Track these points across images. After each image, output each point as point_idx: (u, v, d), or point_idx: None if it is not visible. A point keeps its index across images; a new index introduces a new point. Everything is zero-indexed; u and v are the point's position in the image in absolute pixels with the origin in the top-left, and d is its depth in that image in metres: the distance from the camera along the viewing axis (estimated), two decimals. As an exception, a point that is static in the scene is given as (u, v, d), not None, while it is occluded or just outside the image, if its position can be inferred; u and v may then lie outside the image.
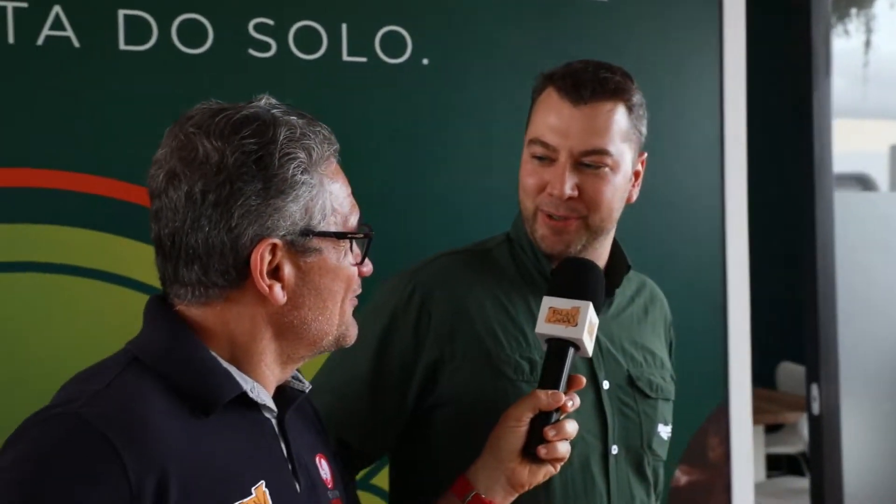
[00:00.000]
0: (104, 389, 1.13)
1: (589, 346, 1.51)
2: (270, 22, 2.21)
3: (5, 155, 2.06)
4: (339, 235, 1.24)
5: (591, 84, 1.62)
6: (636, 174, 1.74)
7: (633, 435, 1.72)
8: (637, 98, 1.69)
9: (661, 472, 1.80)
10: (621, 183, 1.67)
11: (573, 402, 1.50)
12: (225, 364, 1.22)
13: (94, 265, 2.06)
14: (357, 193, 2.25)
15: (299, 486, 1.26)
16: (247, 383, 1.22)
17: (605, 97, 1.63)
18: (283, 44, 2.22)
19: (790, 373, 5.36)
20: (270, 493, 1.18)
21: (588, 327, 1.48)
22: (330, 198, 1.24)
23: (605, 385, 1.70)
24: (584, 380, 1.53)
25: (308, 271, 1.23)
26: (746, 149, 2.61)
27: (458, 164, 2.34)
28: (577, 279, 1.55)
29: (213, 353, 1.21)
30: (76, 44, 2.09)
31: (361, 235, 1.28)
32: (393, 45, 2.31)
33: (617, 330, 1.76)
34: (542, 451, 1.47)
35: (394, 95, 2.31)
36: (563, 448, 1.49)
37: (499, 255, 1.74)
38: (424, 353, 1.64)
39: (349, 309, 1.30)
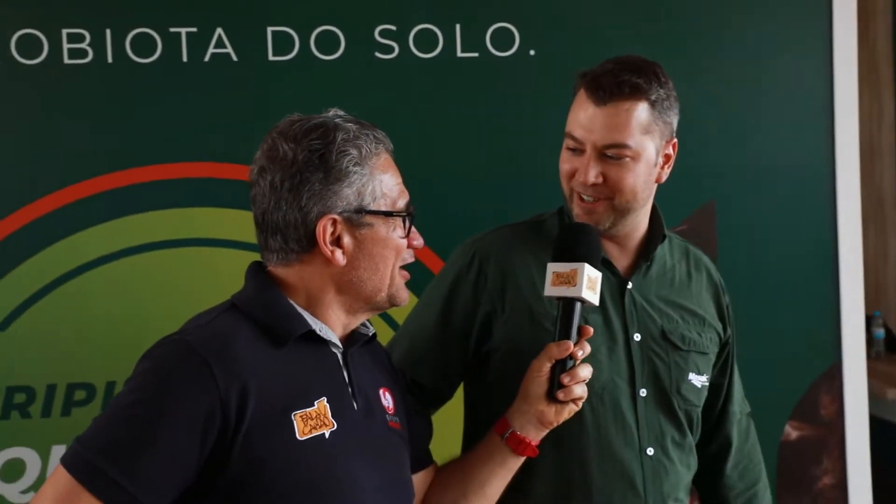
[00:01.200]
0: (206, 324, 1.53)
1: (593, 298, 1.72)
2: (393, 27, 2.57)
3: (186, 151, 2.54)
4: (387, 214, 1.55)
5: (610, 87, 1.85)
6: (666, 157, 1.94)
7: (663, 380, 1.94)
8: (662, 92, 1.89)
9: (696, 416, 2.00)
10: (644, 170, 1.89)
11: (583, 351, 1.72)
12: (300, 310, 1.57)
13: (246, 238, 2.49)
14: (467, 172, 2.60)
15: (356, 405, 1.58)
16: (316, 325, 1.56)
17: (622, 97, 1.85)
18: (404, 45, 2.57)
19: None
20: (330, 407, 1.53)
21: (588, 283, 1.69)
22: (379, 184, 1.55)
23: (637, 337, 1.93)
24: (591, 330, 1.75)
25: (363, 241, 1.54)
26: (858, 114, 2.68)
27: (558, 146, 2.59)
28: (573, 244, 1.76)
29: (291, 301, 1.57)
30: (234, 58, 2.53)
31: (405, 214, 1.58)
32: (502, 39, 2.59)
33: (655, 290, 1.98)
34: (560, 395, 1.71)
35: (503, 85, 2.59)
36: (579, 390, 1.71)
37: (550, 225, 2.01)
38: (481, 307, 1.94)
39: (398, 273, 1.59)
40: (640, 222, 1.97)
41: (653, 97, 1.87)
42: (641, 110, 1.86)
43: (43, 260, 2.46)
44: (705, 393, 2.00)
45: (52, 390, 2.47)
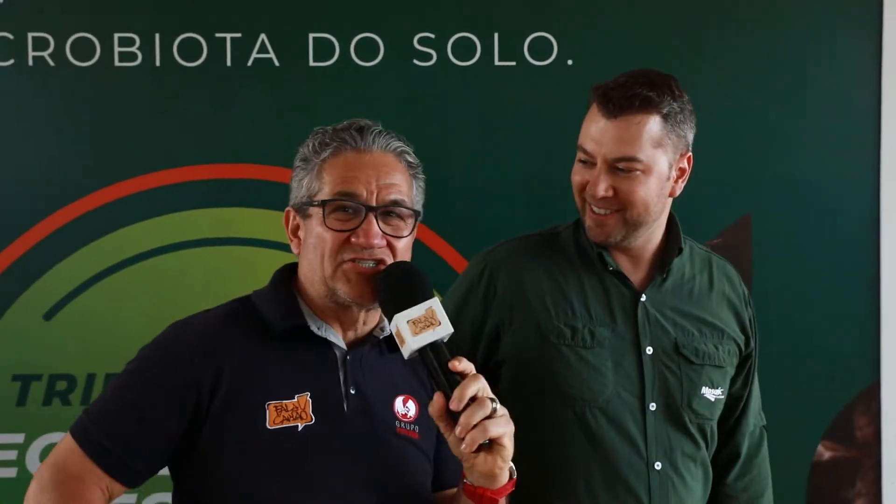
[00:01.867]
0: (207, 312, 1.65)
1: (450, 329, 1.48)
2: (432, 35, 2.60)
3: (227, 152, 2.62)
4: (312, 205, 1.60)
5: (620, 100, 1.85)
6: (681, 171, 1.93)
7: (674, 394, 1.92)
8: (675, 106, 1.88)
9: (710, 429, 1.98)
10: (655, 183, 1.88)
11: (460, 400, 1.45)
12: (304, 307, 1.63)
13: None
14: (502, 180, 2.61)
15: (347, 405, 1.60)
16: (315, 323, 1.61)
17: (633, 111, 1.85)
18: (442, 53, 2.61)
19: None
20: (312, 403, 1.57)
21: (446, 318, 1.47)
22: (318, 180, 1.60)
23: (649, 350, 1.92)
24: (462, 359, 1.49)
25: (305, 230, 1.63)
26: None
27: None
28: (407, 284, 1.52)
29: (299, 299, 1.64)
30: (276, 63, 2.60)
31: (318, 203, 1.58)
32: (540, 49, 2.61)
33: (671, 302, 1.96)
34: (464, 447, 1.46)
35: (541, 94, 2.61)
36: (481, 434, 1.45)
37: (565, 238, 2.02)
38: (489, 319, 1.96)
39: (332, 265, 1.57)
40: (654, 234, 1.96)
41: (665, 111, 1.86)
42: (653, 124, 1.86)
43: (86, 255, 2.57)
44: (720, 406, 1.98)
45: (92, 379, 2.58)
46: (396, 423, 1.66)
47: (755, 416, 2.10)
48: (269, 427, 1.53)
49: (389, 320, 1.50)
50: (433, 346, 1.45)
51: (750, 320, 2.06)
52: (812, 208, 2.63)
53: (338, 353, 1.62)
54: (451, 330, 1.46)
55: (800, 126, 2.63)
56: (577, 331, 1.91)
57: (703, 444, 1.97)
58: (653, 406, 1.92)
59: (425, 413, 1.59)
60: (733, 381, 2.03)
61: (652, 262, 1.98)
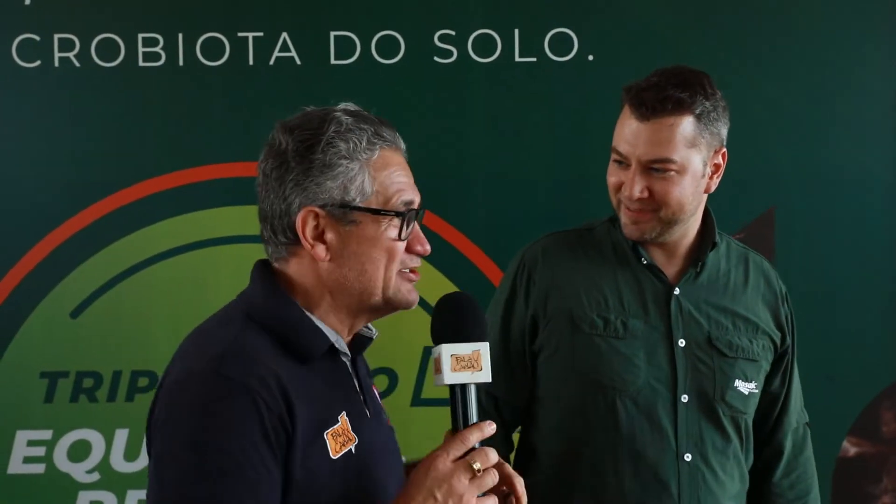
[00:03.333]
0: (223, 344, 1.38)
1: (488, 378, 1.46)
2: (452, 32, 2.61)
3: (249, 150, 2.62)
4: (374, 211, 1.44)
5: (653, 103, 1.85)
6: (715, 167, 1.93)
7: (707, 387, 1.93)
8: (708, 105, 1.88)
9: (745, 424, 1.97)
10: (690, 182, 1.89)
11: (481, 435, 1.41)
12: (316, 320, 1.50)
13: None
14: (524, 177, 2.62)
15: (368, 413, 1.56)
16: (332, 335, 1.48)
17: (665, 113, 1.85)
18: (463, 50, 2.61)
19: None
20: (350, 421, 1.49)
21: (489, 364, 1.45)
22: (370, 181, 1.45)
23: (682, 343, 1.93)
24: (492, 424, 1.43)
25: (347, 237, 1.44)
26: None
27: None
28: (465, 322, 1.48)
29: (301, 308, 1.47)
30: (298, 62, 2.62)
31: (394, 212, 1.45)
32: (561, 44, 2.61)
33: (705, 296, 1.98)
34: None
35: (562, 90, 2.61)
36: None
37: (599, 233, 2.04)
38: (528, 310, 2.00)
39: (394, 276, 1.47)
40: (689, 229, 1.97)
41: (698, 111, 1.87)
42: (686, 124, 1.86)
43: (112, 253, 2.61)
44: (754, 400, 1.98)
45: (118, 376, 2.61)
46: (383, 415, 1.64)
47: (797, 413, 2.09)
48: (332, 458, 1.43)
49: (435, 343, 1.47)
50: (463, 387, 1.43)
51: (787, 317, 2.06)
52: (836, 202, 2.61)
53: (346, 360, 1.56)
54: (489, 379, 1.43)
55: (824, 120, 2.61)
56: (610, 321, 1.93)
57: (736, 438, 1.97)
58: (685, 398, 1.93)
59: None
60: (770, 377, 2.03)
61: (687, 256, 1.99)
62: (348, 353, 1.54)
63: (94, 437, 2.61)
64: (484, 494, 1.36)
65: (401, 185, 1.49)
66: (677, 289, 1.96)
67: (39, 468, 2.62)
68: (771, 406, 2.05)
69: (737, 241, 2.11)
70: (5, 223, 2.62)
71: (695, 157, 1.88)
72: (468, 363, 1.43)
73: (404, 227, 1.46)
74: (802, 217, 2.61)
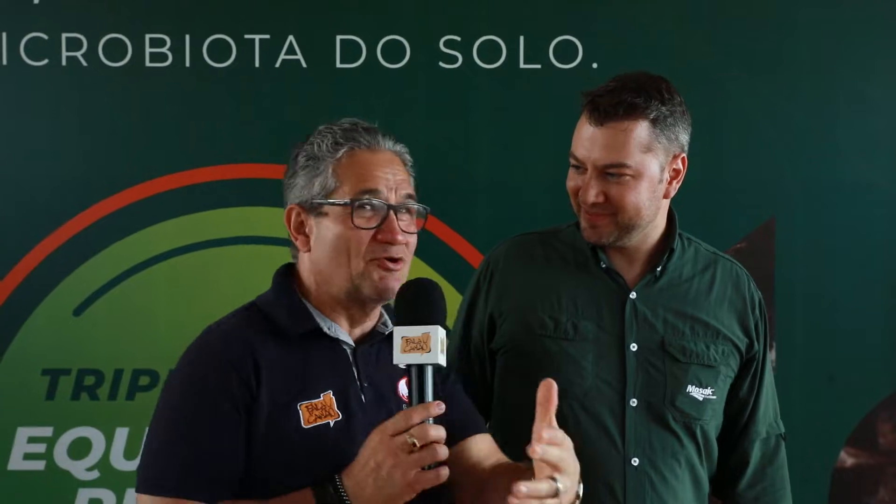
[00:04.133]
0: (218, 324, 1.66)
1: (444, 361, 1.56)
2: (458, 38, 2.62)
3: (254, 152, 2.65)
4: (331, 203, 1.60)
5: (606, 108, 1.87)
6: (675, 172, 1.94)
7: (657, 392, 1.94)
8: (664, 110, 1.88)
9: (700, 429, 1.97)
10: (647, 187, 1.90)
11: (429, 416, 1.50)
12: (311, 308, 1.66)
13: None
14: (526, 183, 2.63)
15: (364, 398, 1.65)
16: (325, 323, 1.65)
17: (619, 118, 1.86)
18: (468, 56, 2.63)
19: None
20: (336, 400, 1.61)
21: (441, 348, 1.54)
22: (334, 177, 1.61)
23: (633, 347, 1.95)
24: (441, 405, 1.50)
25: (319, 228, 1.62)
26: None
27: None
28: (420, 306, 1.58)
29: (304, 301, 1.67)
30: (304, 64, 2.63)
31: (343, 203, 1.59)
32: (565, 52, 2.62)
33: (663, 300, 1.98)
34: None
35: (566, 97, 2.61)
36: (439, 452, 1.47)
37: (565, 236, 2.06)
38: (488, 310, 2.03)
39: (362, 264, 1.60)
40: (650, 234, 1.98)
41: (652, 115, 1.88)
42: (641, 129, 1.87)
43: (115, 252, 2.62)
44: (712, 406, 1.98)
45: (120, 374, 2.62)
46: (403, 405, 1.67)
47: (768, 423, 2.08)
48: (304, 427, 1.57)
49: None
50: (418, 368, 1.52)
51: (756, 324, 2.05)
52: (837, 212, 2.62)
53: (348, 349, 1.67)
54: (439, 361, 1.52)
55: (825, 129, 2.63)
56: (561, 323, 1.96)
57: (690, 444, 1.97)
58: (634, 402, 1.94)
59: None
60: (738, 384, 2.02)
61: (647, 261, 2.00)
62: (350, 342, 1.66)
63: (95, 435, 2.63)
64: (432, 469, 1.45)
65: (367, 177, 1.63)
66: (633, 293, 1.97)
67: (40, 465, 2.63)
68: (739, 413, 2.04)
69: (707, 246, 2.09)
70: (10, 220, 2.63)
71: (651, 162, 1.89)
72: (417, 345, 1.53)
73: (353, 214, 1.60)
74: (803, 226, 2.62)
